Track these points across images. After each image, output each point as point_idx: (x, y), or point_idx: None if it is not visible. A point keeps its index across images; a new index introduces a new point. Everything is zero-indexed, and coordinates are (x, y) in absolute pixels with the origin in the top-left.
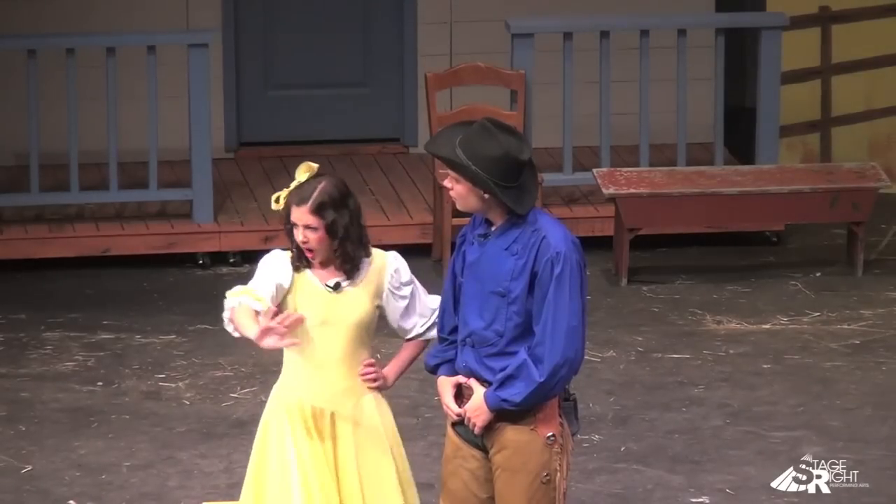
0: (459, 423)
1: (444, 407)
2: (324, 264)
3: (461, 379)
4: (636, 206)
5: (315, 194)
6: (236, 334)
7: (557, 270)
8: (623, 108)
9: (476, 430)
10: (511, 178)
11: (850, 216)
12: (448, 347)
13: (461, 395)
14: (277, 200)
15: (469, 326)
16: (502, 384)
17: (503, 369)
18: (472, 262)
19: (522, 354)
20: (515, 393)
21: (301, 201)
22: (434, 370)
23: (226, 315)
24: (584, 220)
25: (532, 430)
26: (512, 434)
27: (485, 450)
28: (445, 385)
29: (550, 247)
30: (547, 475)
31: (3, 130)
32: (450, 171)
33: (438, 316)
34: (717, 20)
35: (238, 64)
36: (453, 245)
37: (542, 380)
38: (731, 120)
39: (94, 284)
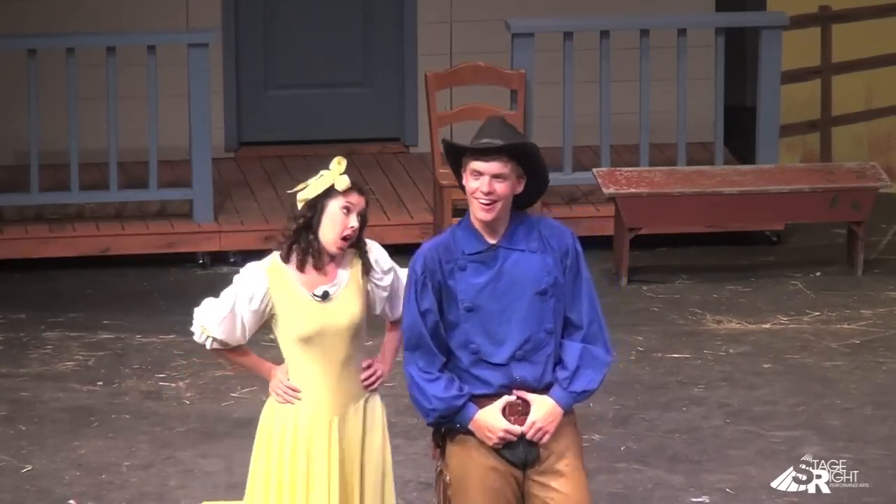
0: (506, 446)
1: (503, 434)
2: (319, 267)
3: (508, 398)
4: (636, 206)
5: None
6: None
7: (579, 248)
8: (623, 108)
9: (545, 438)
10: None
11: (850, 216)
12: (457, 384)
13: (507, 414)
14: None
15: (517, 339)
16: (572, 380)
17: (559, 368)
18: (488, 282)
19: (576, 344)
20: (590, 380)
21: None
22: (457, 412)
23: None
24: (584, 220)
25: (575, 425)
26: (571, 434)
27: (524, 466)
28: (494, 413)
29: (564, 230)
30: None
31: (3, 130)
32: (506, 167)
33: (422, 360)
34: (717, 20)
35: (238, 64)
36: None
37: (610, 356)
38: (731, 120)
39: (94, 284)
